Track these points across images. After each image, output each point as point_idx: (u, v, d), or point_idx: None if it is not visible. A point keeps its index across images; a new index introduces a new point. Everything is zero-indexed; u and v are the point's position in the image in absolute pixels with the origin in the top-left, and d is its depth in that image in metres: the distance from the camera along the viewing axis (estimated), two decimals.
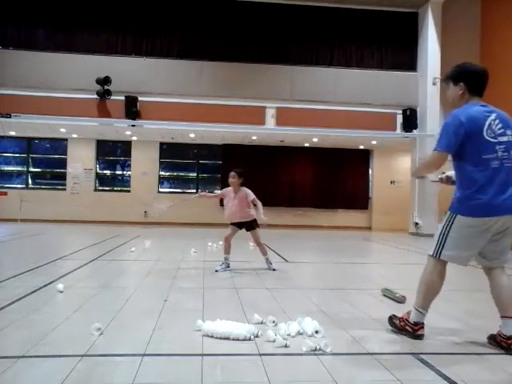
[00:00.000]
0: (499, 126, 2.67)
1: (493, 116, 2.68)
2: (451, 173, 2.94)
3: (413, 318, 2.87)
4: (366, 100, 12.79)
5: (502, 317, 2.71)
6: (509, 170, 2.65)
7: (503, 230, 2.70)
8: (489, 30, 13.40)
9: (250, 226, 5.61)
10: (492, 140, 2.64)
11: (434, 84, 12.68)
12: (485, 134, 2.64)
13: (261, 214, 5.38)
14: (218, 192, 5.78)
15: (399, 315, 3.03)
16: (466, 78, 2.79)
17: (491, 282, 2.80)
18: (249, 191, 5.57)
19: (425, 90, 12.80)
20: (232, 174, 5.59)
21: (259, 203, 5.46)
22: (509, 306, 2.69)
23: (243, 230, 5.69)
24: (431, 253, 2.84)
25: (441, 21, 12.98)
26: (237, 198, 5.52)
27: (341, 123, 12.38)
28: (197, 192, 15.40)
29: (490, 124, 2.65)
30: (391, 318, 3.07)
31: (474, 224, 2.66)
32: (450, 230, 2.74)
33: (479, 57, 13.68)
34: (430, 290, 2.82)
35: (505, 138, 2.65)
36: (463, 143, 2.66)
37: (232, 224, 5.65)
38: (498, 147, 2.63)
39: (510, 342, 2.65)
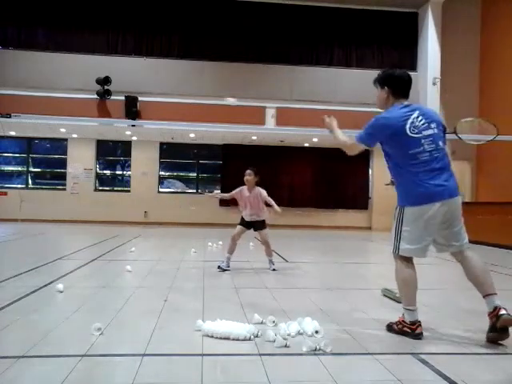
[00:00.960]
0: (422, 121, 2.86)
1: (415, 114, 2.87)
2: None
3: (407, 318, 2.89)
4: (366, 100, 12.74)
5: (484, 297, 2.78)
6: (439, 159, 2.82)
7: (448, 218, 2.84)
8: (489, 29, 13.41)
9: (260, 225, 5.57)
10: (416, 136, 2.82)
11: (434, 84, 12.68)
12: (408, 132, 2.82)
13: (276, 206, 5.35)
14: (233, 192, 5.65)
15: (394, 320, 3.03)
16: (390, 83, 3.02)
17: (463, 267, 2.93)
18: (263, 190, 5.52)
19: (425, 90, 12.80)
20: (248, 171, 5.51)
21: (272, 201, 5.45)
22: (486, 284, 2.78)
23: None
24: (392, 250, 2.97)
25: (441, 21, 12.97)
26: (252, 197, 5.46)
27: (341, 123, 12.31)
28: (197, 192, 15.51)
29: (412, 122, 2.85)
30: (389, 326, 3.06)
31: (419, 212, 2.81)
32: (402, 223, 2.89)
33: (479, 56, 13.70)
34: (407, 286, 2.90)
35: (430, 131, 2.85)
36: (389, 144, 2.91)
37: (241, 224, 5.60)
38: (423, 141, 2.82)
39: (496, 311, 2.68)
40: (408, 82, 3.04)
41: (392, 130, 2.86)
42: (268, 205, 5.52)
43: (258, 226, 5.59)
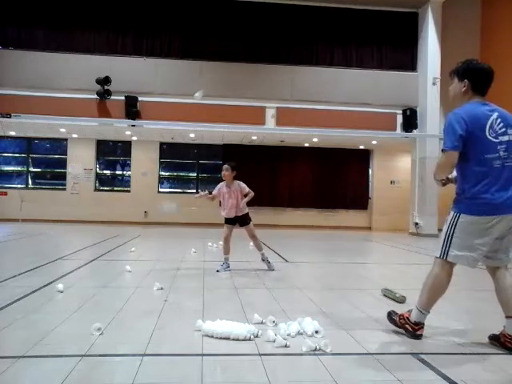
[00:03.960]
0: (501, 125, 2.65)
1: (495, 115, 2.67)
2: (453, 174, 2.91)
3: (414, 318, 2.87)
4: (366, 100, 12.80)
5: (506, 317, 2.69)
6: (510, 169, 2.64)
7: (508, 229, 2.69)
8: (489, 30, 13.40)
9: (244, 220, 5.56)
10: (494, 140, 2.63)
11: (434, 84, 12.68)
12: (487, 133, 2.62)
13: (245, 200, 5.37)
14: (214, 192, 5.60)
15: (399, 312, 3.03)
16: (471, 75, 2.77)
17: (496, 283, 2.78)
18: (243, 184, 5.51)
19: (425, 90, 12.80)
20: (225, 166, 5.49)
21: (252, 193, 5.46)
22: None
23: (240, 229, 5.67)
24: (438, 254, 2.80)
25: (441, 21, 12.97)
26: (232, 193, 5.44)
27: (341, 123, 12.36)
28: (197, 192, 15.49)
29: (491, 123, 2.64)
30: (390, 314, 3.06)
31: (477, 222, 2.65)
32: (454, 229, 2.72)
33: (479, 56, 13.68)
34: (436, 292, 2.81)
35: (506, 138, 2.64)
36: (465, 142, 2.64)
37: (226, 222, 5.60)
38: (499, 147, 2.63)
39: None
40: (491, 78, 2.79)
41: (474, 126, 2.62)
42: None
43: (241, 221, 5.57)
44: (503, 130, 2.65)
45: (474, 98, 2.76)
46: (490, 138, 2.63)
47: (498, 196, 2.60)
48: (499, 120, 2.66)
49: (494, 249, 2.75)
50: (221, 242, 7.06)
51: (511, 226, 2.69)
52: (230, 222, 5.60)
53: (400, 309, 3.20)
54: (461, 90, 2.80)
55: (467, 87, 2.78)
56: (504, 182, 2.62)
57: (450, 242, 2.73)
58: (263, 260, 5.66)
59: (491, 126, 2.63)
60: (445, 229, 2.78)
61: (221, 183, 5.60)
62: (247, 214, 5.59)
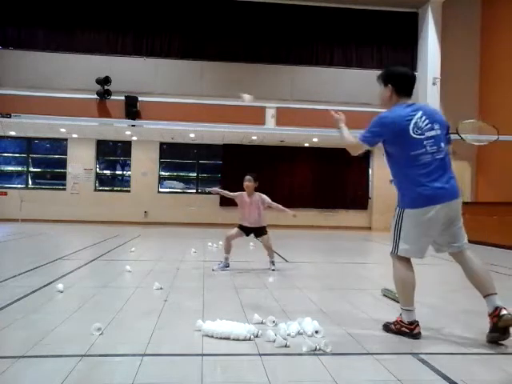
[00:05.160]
0: (426, 122, 2.81)
1: (419, 114, 2.83)
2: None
3: (405, 318, 2.89)
4: (366, 100, 12.78)
5: (484, 297, 2.77)
6: (441, 161, 2.79)
7: (449, 219, 2.82)
8: (489, 30, 13.40)
9: (260, 232, 5.55)
10: (419, 137, 2.78)
11: (434, 84, 12.68)
12: (411, 132, 2.79)
13: (286, 210, 5.45)
14: (235, 193, 5.61)
15: (392, 320, 3.03)
16: (394, 81, 2.97)
17: (462, 267, 2.91)
18: (264, 196, 5.51)
19: (425, 90, 12.80)
20: (248, 177, 5.48)
21: (276, 204, 5.48)
22: (486, 284, 2.77)
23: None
24: (391, 250, 2.96)
25: (441, 21, 12.98)
26: (253, 204, 5.44)
27: None
28: (197, 192, 15.51)
29: (416, 122, 2.80)
30: (386, 326, 3.06)
31: (419, 215, 2.78)
32: (401, 225, 2.87)
33: (479, 56, 13.70)
34: (405, 287, 2.89)
35: (433, 133, 2.81)
36: (392, 143, 2.86)
37: (240, 227, 5.57)
38: (425, 142, 2.78)
39: (497, 311, 2.67)
40: (412, 81, 2.99)
41: (396, 129, 2.81)
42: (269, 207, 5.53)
43: (258, 232, 5.57)
44: (429, 125, 2.81)
45: (400, 101, 2.94)
46: (415, 135, 2.78)
47: (430, 186, 2.75)
48: (424, 117, 2.82)
49: (443, 237, 2.89)
50: (221, 242, 7.06)
51: (451, 216, 2.81)
52: (244, 229, 5.57)
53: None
54: (387, 94, 3.00)
55: (392, 92, 2.97)
56: (435, 173, 2.77)
57: (399, 238, 2.88)
58: (271, 266, 5.61)
59: (416, 125, 2.79)
60: (392, 225, 2.94)
61: (242, 192, 5.56)
62: (265, 226, 5.57)
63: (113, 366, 2.32)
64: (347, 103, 12.69)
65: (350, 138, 3.08)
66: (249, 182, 5.48)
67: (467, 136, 3.39)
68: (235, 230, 5.56)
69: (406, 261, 2.92)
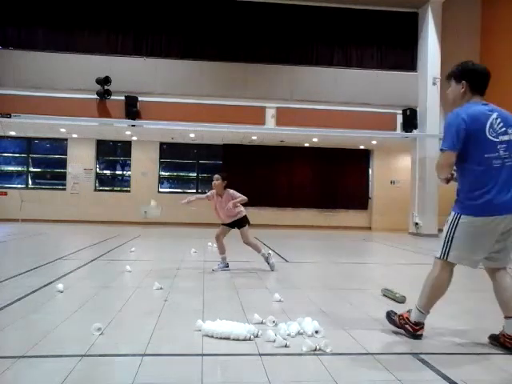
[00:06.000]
0: (501, 124, 2.64)
1: (494, 115, 2.66)
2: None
3: (414, 318, 2.86)
4: (366, 100, 12.79)
5: (505, 317, 2.68)
6: (510, 169, 2.63)
7: (508, 231, 2.67)
8: (489, 30, 13.40)
9: (240, 223, 5.56)
10: (494, 139, 2.62)
11: (434, 84, 12.67)
12: (487, 132, 2.62)
13: (232, 202, 5.29)
14: (208, 193, 5.68)
15: (398, 312, 3.03)
16: (469, 76, 2.76)
17: (494, 283, 2.77)
18: (234, 192, 5.51)
19: (425, 90, 12.80)
20: (216, 176, 5.53)
21: (242, 198, 5.39)
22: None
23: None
24: (438, 255, 2.78)
25: (441, 21, 12.97)
26: (224, 202, 5.45)
27: (341, 123, 12.37)
28: (197, 192, 15.49)
29: (491, 123, 2.63)
30: (389, 314, 3.05)
31: (478, 224, 2.63)
32: (455, 230, 2.69)
33: (479, 56, 13.67)
34: (436, 292, 2.80)
35: (506, 137, 2.63)
36: (465, 142, 2.63)
37: (223, 224, 5.63)
38: (499, 146, 2.61)
39: None
40: (488, 77, 2.77)
41: (474, 126, 2.61)
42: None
43: (239, 224, 5.58)
44: (503, 129, 2.64)
45: (473, 99, 2.76)
46: (490, 137, 2.61)
47: (498, 196, 2.58)
48: (499, 120, 2.65)
49: (495, 250, 2.72)
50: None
51: (510, 229, 2.67)
52: (228, 225, 5.62)
53: (400, 309, 3.20)
54: (459, 91, 2.79)
55: (466, 88, 2.77)
56: (504, 182, 2.60)
57: (451, 243, 2.71)
58: (266, 261, 5.59)
59: (491, 126, 2.63)
60: (445, 229, 2.76)
61: (213, 190, 5.59)
62: (244, 216, 5.58)
63: (113, 366, 2.32)
64: (347, 103, 12.70)
65: (436, 164, 2.77)
66: (216, 180, 5.50)
67: None
68: (220, 228, 5.64)
69: (451, 268, 2.78)
